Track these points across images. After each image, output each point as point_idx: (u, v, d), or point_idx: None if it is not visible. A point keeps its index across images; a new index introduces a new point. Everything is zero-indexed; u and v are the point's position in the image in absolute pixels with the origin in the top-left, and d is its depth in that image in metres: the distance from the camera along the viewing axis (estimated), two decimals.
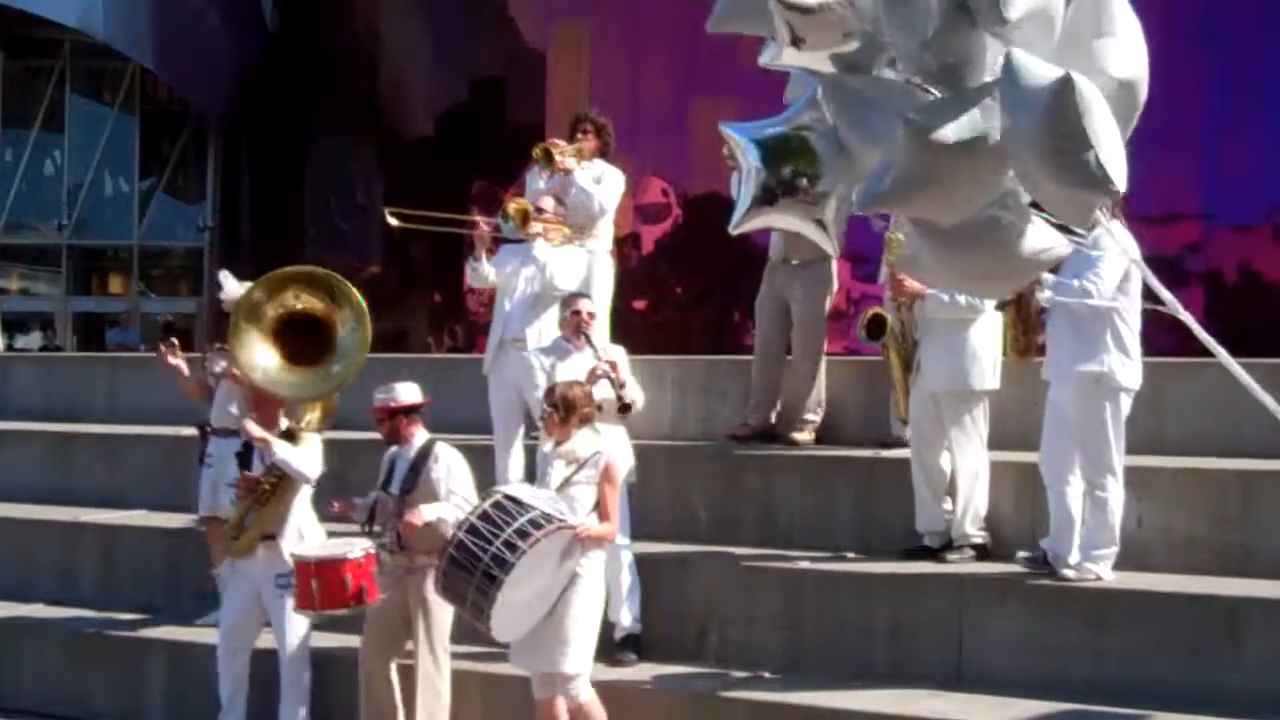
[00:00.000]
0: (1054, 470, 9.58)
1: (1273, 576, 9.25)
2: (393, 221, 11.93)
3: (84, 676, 11.77)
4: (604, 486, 9.06)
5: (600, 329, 10.60)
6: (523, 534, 8.53)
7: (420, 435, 9.97)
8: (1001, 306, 9.73)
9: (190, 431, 12.08)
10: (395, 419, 9.91)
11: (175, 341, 12.31)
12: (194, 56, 28.37)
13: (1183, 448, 10.38)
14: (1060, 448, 9.52)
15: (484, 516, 8.64)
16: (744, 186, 7.11)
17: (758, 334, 11.86)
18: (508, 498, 8.75)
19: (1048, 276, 9.38)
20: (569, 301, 10.50)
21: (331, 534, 10.44)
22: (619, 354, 10.38)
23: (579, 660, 8.94)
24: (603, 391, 9.92)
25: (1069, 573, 9.32)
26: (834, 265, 11.71)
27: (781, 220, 7.31)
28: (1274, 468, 9.90)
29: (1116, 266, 9.24)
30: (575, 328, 10.31)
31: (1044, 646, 9.24)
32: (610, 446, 9.39)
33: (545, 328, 11.06)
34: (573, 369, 10.03)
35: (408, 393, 9.99)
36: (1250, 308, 14.99)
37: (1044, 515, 9.92)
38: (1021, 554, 9.77)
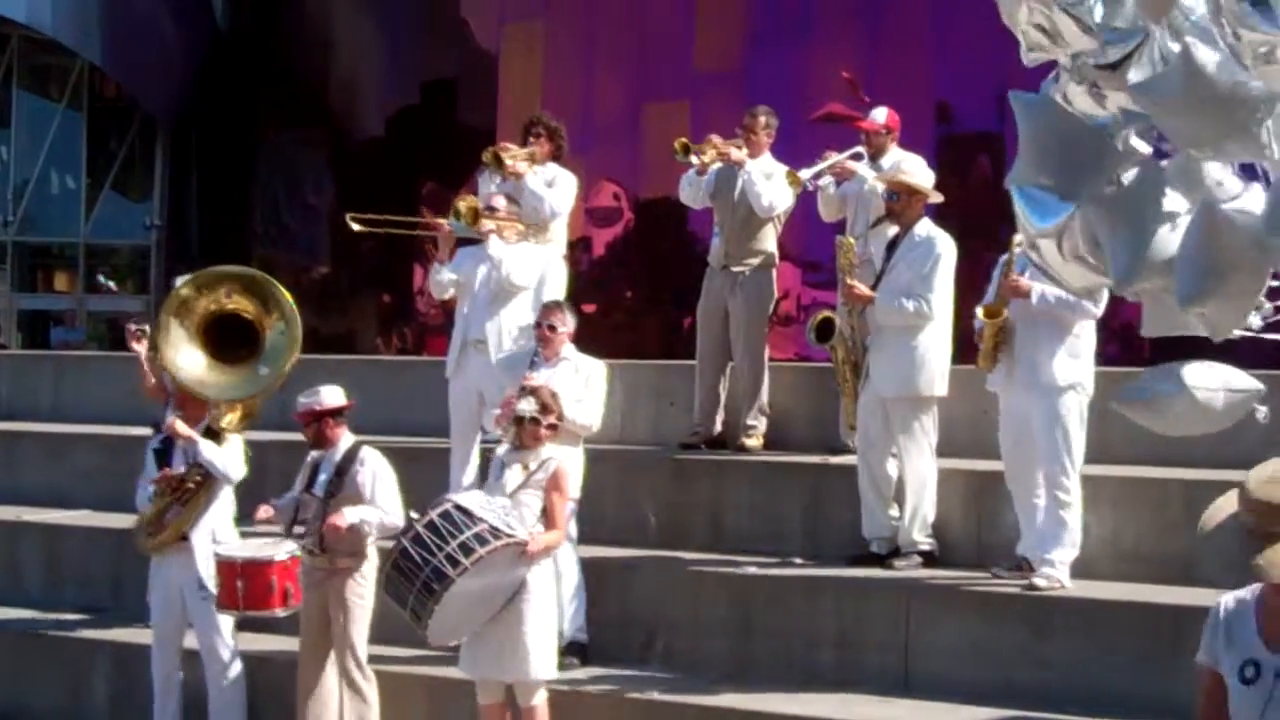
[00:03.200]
0: (1022, 481, 9.63)
1: (1217, 585, 9.28)
2: (355, 227, 11.88)
3: (26, 677, 11.69)
4: (552, 494, 9.10)
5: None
6: (466, 549, 8.52)
7: (346, 439, 9.94)
8: (992, 316, 9.69)
9: (136, 432, 11.98)
10: (321, 422, 9.87)
11: (147, 329, 12.18)
12: (143, 53, 28.20)
13: (1128, 457, 10.42)
14: (1027, 457, 9.58)
15: (430, 526, 8.62)
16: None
17: (700, 341, 11.90)
18: (457, 508, 8.71)
19: (1036, 286, 9.43)
20: (542, 310, 10.50)
21: (245, 534, 10.44)
22: (596, 369, 10.38)
23: (546, 667, 8.96)
24: (572, 411, 9.96)
25: (1040, 581, 9.33)
26: (774, 272, 11.79)
27: None
28: (1219, 477, 9.91)
29: None
30: (540, 339, 10.33)
31: (990, 654, 9.27)
32: (562, 455, 9.45)
33: (505, 325, 11.05)
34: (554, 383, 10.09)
35: (332, 396, 9.96)
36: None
37: (993, 522, 9.98)
38: (997, 569, 9.79)
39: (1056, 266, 5.90)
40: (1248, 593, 4.89)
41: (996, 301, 9.66)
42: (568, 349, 10.37)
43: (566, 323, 10.34)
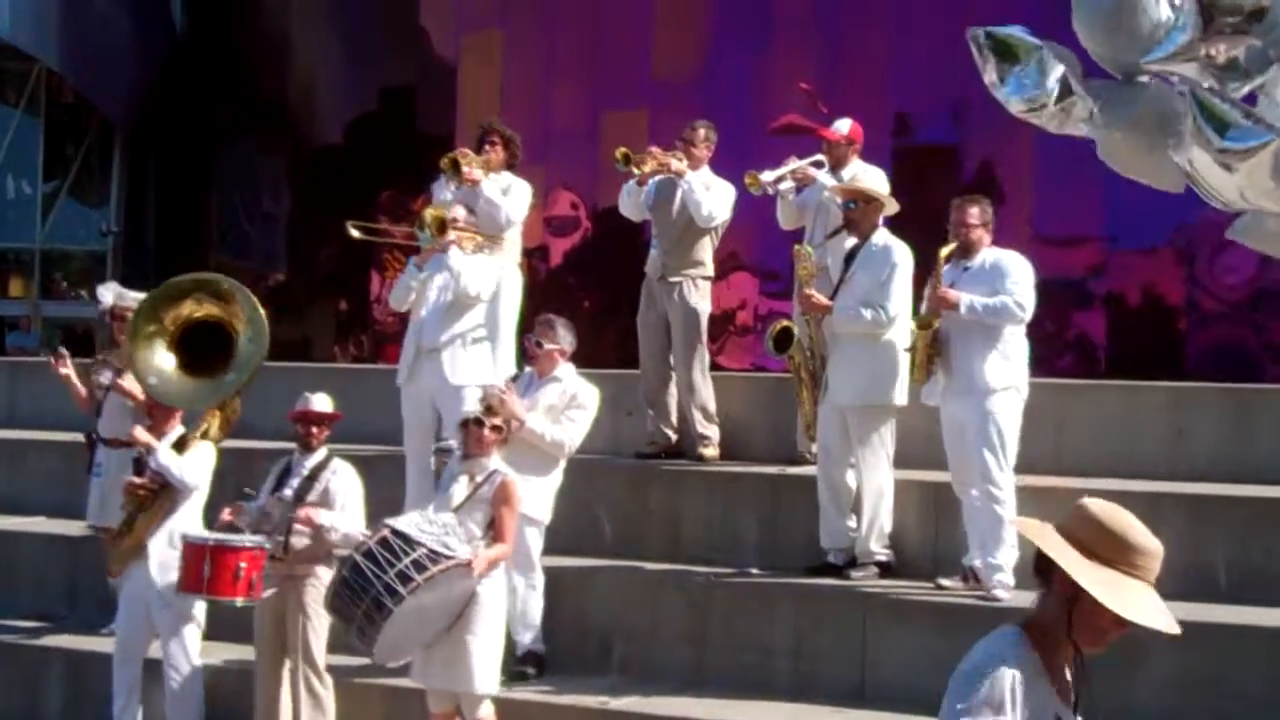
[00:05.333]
0: (962, 486, 9.68)
1: (1172, 597, 9.31)
2: (354, 234, 11.93)
3: None
4: (500, 507, 9.01)
5: (509, 349, 10.50)
6: (405, 578, 8.48)
7: (323, 448, 9.99)
8: (924, 328, 9.72)
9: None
10: (319, 425, 9.93)
11: (65, 352, 12.24)
12: (101, 59, 28.02)
13: (1083, 468, 10.48)
14: (969, 464, 9.62)
15: (368, 554, 8.58)
16: None
17: (641, 351, 11.94)
18: (395, 533, 8.66)
19: (964, 296, 9.49)
20: (536, 326, 10.32)
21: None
22: (586, 393, 10.14)
23: (488, 680, 8.93)
24: (542, 426, 9.91)
25: (1000, 593, 9.34)
26: (709, 285, 11.82)
27: None
28: (1173, 489, 10.01)
29: (1031, 280, 9.55)
30: (529, 354, 10.21)
31: (946, 664, 9.14)
32: (535, 482, 9.46)
33: (460, 336, 11.00)
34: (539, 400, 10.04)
35: (325, 403, 10.05)
36: (1152, 331, 15.15)
37: (950, 534, 10.00)
38: (943, 580, 9.81)
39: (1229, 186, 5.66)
40: (1018, 648, 4.43)
41: (927, 314, 9.72)
42: (564, 370, 10.18)
43: (557, 339, 10.10)
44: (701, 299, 11.80)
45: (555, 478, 10.16)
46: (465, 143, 12.31)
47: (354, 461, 10.15)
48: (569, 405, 10.03)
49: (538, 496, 9.91)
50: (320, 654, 9.75)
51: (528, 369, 10.22)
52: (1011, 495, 9.52)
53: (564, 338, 10.17)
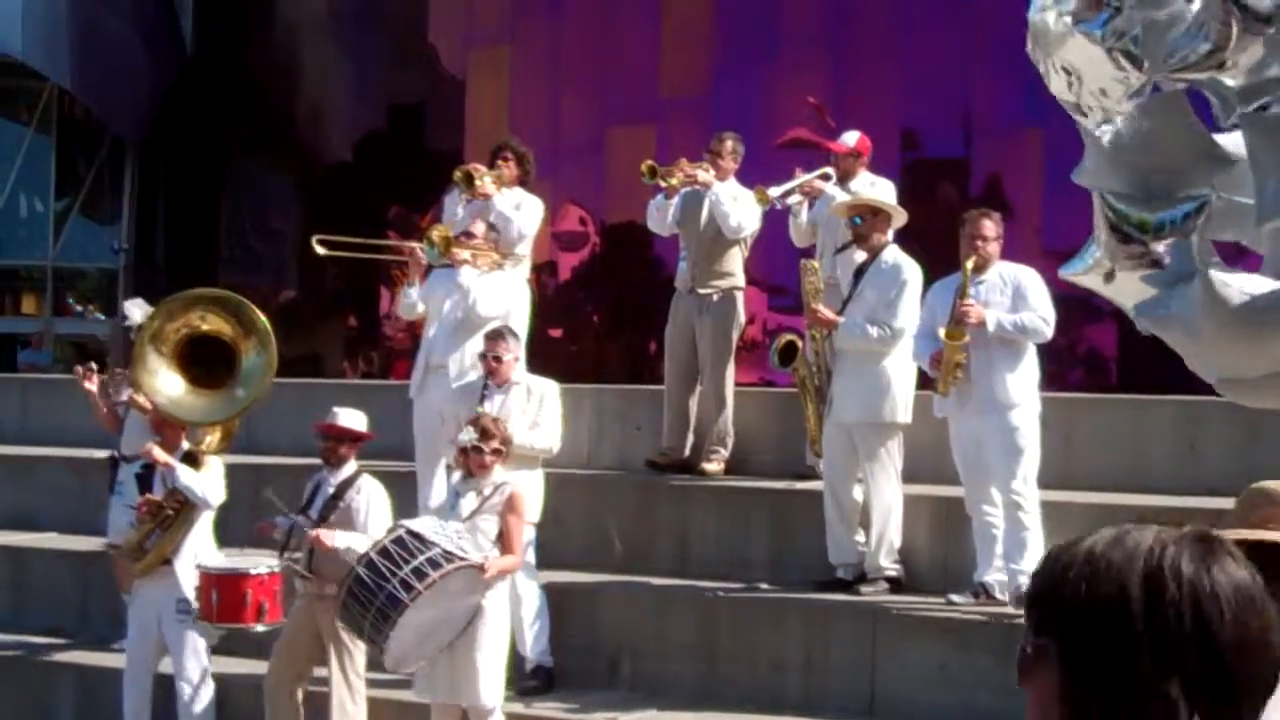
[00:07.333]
0: (980, 504, 9.67)
1: None
2: (320, 250, 11.99)
3: None
4: (508, 517, 9.13)
5: (520, 364, 10.59)
6: (420, 574, 8.55)
7: (350, 465, 9.97)
8: (956, 338, 9.66)
9: (102, 455, 12.01)
10: (339, 441, 9.91)
11: (95, 366, 12.25)
12: (113, 78, 28.06)
13: (1093, 483, 10.46)
14: (983, 479, 9.61)
15: (383, 552, 8.66)
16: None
17: (667, 364, 11.93)
18: (410, 533, 8.76)
19: (991, 313, 9.48)
20: (486, 342, 10.45)
21: (230, 554, 10.40)
22: (549, 389, 10.35)
23: (495, 693, 8.98)
24: (527, 438, 9.96)
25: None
26: (741, 296, 11.80)
27: None
28: (1184, 504, 9.99)
29: (1048, 295, 9.57)
30: (488, 370, 10.30)
31: (956, 679, 9.28)
32: (516, 479, 9.48)
33: (468, 354, 11.01)
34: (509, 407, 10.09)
35: (353, 419, 10.04)
36: (1161, 344, 15.12)
37: (960, 549, 9.98)
38: (954, 596, 9.79)
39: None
40: None
41: (955, 326, 9.69)
42: (518, 373, 10.37)
43: (511, 349, 10.29)
44: (733, 310, 11.78)
45: (537, 478, 10.27)
46: (473, 158, 12.35)
47: None
48: (538, 407, 10.21)
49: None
50: (354, 673, 9.71)
51: (483, 382, 10.26)
52: (1036, 505, 9.51)
53: (516, 346, 10.41)
